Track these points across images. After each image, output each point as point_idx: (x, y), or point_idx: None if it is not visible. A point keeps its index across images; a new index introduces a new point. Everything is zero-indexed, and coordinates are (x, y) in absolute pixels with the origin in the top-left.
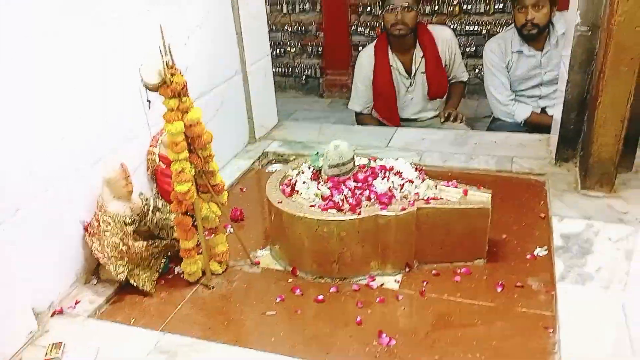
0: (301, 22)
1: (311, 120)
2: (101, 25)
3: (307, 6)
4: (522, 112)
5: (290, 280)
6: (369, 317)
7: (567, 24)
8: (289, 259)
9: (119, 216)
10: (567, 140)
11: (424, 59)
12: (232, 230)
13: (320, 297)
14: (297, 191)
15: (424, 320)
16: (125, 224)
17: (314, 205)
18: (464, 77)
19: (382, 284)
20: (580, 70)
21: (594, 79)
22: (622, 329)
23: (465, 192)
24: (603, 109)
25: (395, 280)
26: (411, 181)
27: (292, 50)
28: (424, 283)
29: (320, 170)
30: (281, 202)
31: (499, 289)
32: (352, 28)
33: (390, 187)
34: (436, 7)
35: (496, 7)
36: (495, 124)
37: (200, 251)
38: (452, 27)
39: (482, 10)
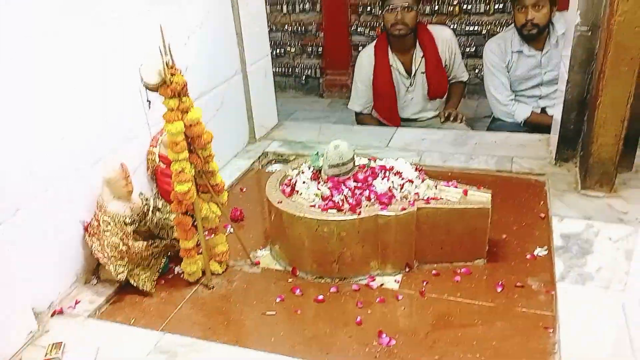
0: (301, 22)
1: (311, 120)
2: (101, 25)
3: (307, 6)
4: (522, 112)
5: (290, 280)
6: (368, 317)
7: (567, 24)
8: (289, 259)
9: (119, 216)
10: (567, 140)
11: (424, 59)
12: (232, 230)
13: (320, 297)
14: (297, 191)
15: (423, 321)
16: (125, 224)
17: (314, 205)
18: (464, 77)
19: (382, 284)
20: (580, 70)
21: (594, 79)
22: (622, 329)
23: (465, 192)
24: (603, 109)
25: (395, 280)
26: (411, 181)
27: (292, 50)
28: (424, 283)
29: (320, 170)
30: (281, 202)
31: (499, 289)
32: (352, 28)
33: (390, 187)
34: (436, 7)
35: (496, 7)
36: (495, 124)
37: (200, 251)
38: (452, 27)
39: (482, 10)
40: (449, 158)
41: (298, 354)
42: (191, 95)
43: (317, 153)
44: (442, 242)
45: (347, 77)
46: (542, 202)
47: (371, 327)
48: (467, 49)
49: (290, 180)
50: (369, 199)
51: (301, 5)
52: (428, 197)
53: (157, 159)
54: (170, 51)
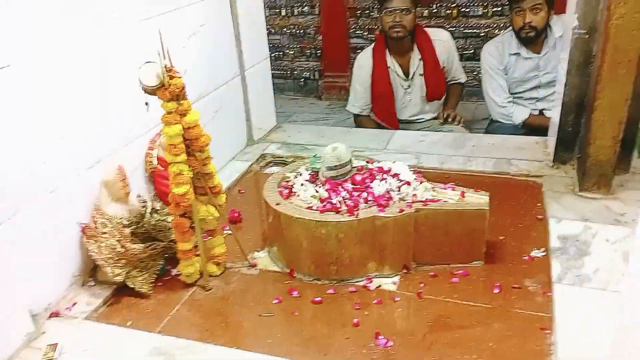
0: (300, 25)
1: (309, 123)
2: (101, 26)
3: (305, 9)
4: (520, 114)
5: (287, 281)
6: (366, 319)
7: (564, 27)
8: (286, 260)
9: (117, 218)
10: (564, 142)
11: (421, 61)
12: (230, 231)
13: (318, 298)
14: (295, 193)
15: (421, 322)
16: (123, 226)
17: (311, 207)
18: (462, 78)
19: (379, 286)
20: (577, 73)
21: (591, 82)
22: (619, 330)
23: (463, 194)
24: (601, 111)
25: (392, 282)
26: (409, 183)
27: (291, 52)
28: (422, 284)
29: (318, 172)
30: (279, 203)
31: (496, 291)
32: (351, 31)
33: (387, 189)
34: (434, 10)
35: (494, 10)
36: (493, 126)
37: (197, 253)
38: (450, 30)
39: (480, 13)
40: (447, 160)
41: (295, 355)
42: (190, 97)
43: (316, 155)
44: (440, 244)
45: (346, 80)
46: (539, 204)
47: (368, 329)
48: (465, 52)
49: (288, 182)
50: (366, 200)
51: (300, 8)
52: (426, 199)
53: (155, 161)
54: (168, 54)
